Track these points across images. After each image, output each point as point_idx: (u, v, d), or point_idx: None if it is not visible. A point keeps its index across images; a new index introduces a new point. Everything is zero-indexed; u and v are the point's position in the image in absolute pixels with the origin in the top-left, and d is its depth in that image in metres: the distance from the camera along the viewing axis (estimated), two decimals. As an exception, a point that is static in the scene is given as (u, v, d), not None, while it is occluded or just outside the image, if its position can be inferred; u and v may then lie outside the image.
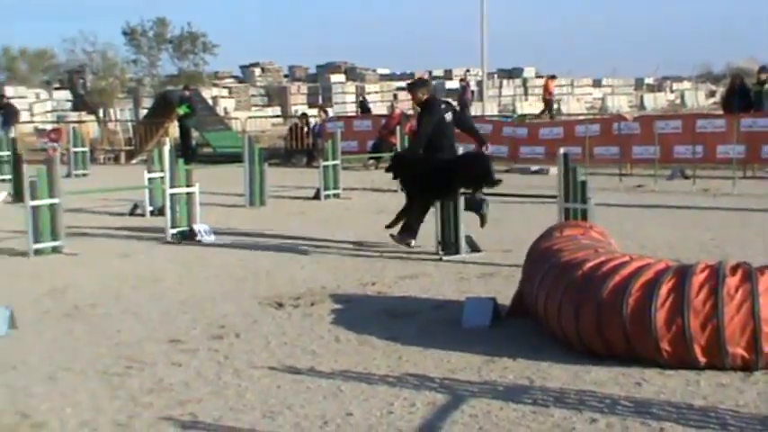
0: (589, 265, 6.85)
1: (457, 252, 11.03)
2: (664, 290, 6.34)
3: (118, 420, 5.68)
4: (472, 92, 40.69)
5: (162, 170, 13.86)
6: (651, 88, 65.59)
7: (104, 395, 6.17)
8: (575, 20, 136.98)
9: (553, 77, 33.08)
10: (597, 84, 66.00)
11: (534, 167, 22.98)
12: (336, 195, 18.09)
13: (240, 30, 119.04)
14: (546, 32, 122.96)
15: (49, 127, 35.16)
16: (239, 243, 12.60)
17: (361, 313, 8.41)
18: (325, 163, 18.17)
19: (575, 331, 6.70)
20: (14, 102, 43.29)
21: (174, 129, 30.80)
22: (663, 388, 6.03)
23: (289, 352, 7.17)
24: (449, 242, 11.11)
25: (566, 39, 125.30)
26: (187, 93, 29.65)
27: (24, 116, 43.86)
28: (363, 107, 38.27)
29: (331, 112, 42.42)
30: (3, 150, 22.95)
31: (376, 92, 56.56)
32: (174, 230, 12.94)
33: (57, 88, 48.59)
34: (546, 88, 34.44)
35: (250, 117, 36.65)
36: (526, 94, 60.67)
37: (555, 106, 39.61)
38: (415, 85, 12.20)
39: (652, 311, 6.28)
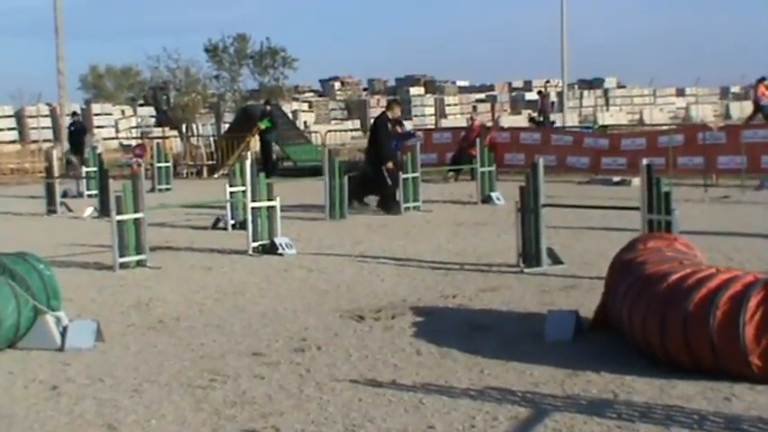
0: (674, 277, 6.73)
1: (538, 264, 10.93)
2: (753, 303, 6.20)
3: (202, 433, 5.73)
4: (552, 102, 40.33)
5: (243, 184, 14.00)
6: (737, 97, 64.44)
7: (189, 408, 6.23)
8: (657, 29, 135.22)
9: (763, 80, 30.02)
10: (681, 93, 65.14)
11: (616, 179, 22.71)
12: (416, 208, 18.07)
13: (319, 44, 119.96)
14: (627, 42, 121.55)
15: (133, 143, 35.82)
16: (320, 256, 12.66)
17: (443, 326, 8.38)
18: (405, 175, 18.17)
19: (660, 345, 6.59)
20: (100, 118, 44.34)
21: (255, 143, 31.13)
22: (753, 404, 5.88)
23: (370, 365, 7.17)
24: (530, 254, 11.01)
25: (647, 48, 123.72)
26: (268, 107, 29.95)
27: (109, 132, 44.82)
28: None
29: (410, 124, 42.42)
30: (89, 166, 23.44)
31: (455, 104, 56.57)
32: (256, 244, 13.05)
33: (141, 104, 49.51)
34: (756, 91, 31.61)
35: (330, 130, 36.86)
36: (607, 104, 60.11)
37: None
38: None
39: (741, 325, 6.14)
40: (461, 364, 7.10)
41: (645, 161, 10.33)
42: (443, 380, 6.68)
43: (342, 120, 52.79)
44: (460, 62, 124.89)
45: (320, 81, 62.60)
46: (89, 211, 18.89)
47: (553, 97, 46.06)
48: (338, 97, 59.03)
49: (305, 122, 46.16)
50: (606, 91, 62.96)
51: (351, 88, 61.25)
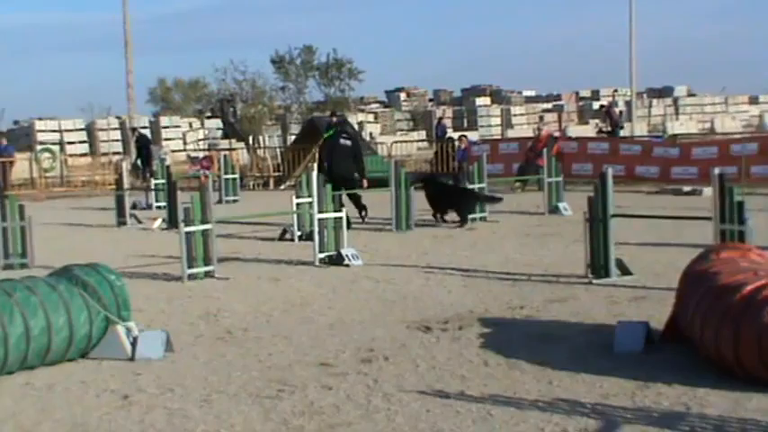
0: (749, 288, 6.60)
1: (607, 275, 10.80)
2: (829, 314, 6.05)
3: (270, 443, 5.74)
4: (620, 112, 39.89)
5: (310, 195, 14.06)
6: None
7: (257, 418, 6.26)
8: (728, 35, 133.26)
9: None
10: (754, 101, 64.08)
11: (687, 188, 22.41)
12: (483, 219, 18.00)
13: (385, 55, 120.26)
14: (698, 49, 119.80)
15: (201, 155, 36.20)
16: (387, 267, 12.66)
17: (510, 337, 8.32)
18: (472, 186, 18.11)
19: (734, 357, 6.46)
20: (169, 131, 44.96)
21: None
22: (830, 417, 5.74)
23: (438, 376, 7.14)
24: (598, 265, 10.89)
25: (719, 55, 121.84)
26: (334, 119, 30.07)
27: (177, 144, 45.39)
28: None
29: (475, 135, 42.32)
30: (158, 178, 23.76)
31: (521, 114, 56.29)
32: (323, 255, 13.08)
33: (208, 117, 50.04)
34: None
35: (396, 141, 36.92)
36: (677, 113, 59.28)
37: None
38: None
39: (817, 336, 6.00)
40: (530, 375, 7.04)
41: (717, 170, 10.16)
42: (512, 391, 6.63)
43: (407, 131, 52.81)
44: (527, 72, 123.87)
45: (386, 92, 62.71)
46: (158, 222, 19.11)
47: (621, 106, 45.60)
48: (404, 108, 59.06)
49: (371, 133, 46.30)
50: (676, 99, 62.12)
51: (416, 99, 61.25)
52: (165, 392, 6.96)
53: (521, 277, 11.42)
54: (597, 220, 10.91)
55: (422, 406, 6.37)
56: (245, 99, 44.28)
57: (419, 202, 17.59)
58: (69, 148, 42.36)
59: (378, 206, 18.33)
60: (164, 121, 48.94)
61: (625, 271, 10.94)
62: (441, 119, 38.57)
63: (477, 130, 49.87)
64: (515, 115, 56.21)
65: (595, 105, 55.81)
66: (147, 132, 38.36)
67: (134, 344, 7.98)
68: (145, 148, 32.12)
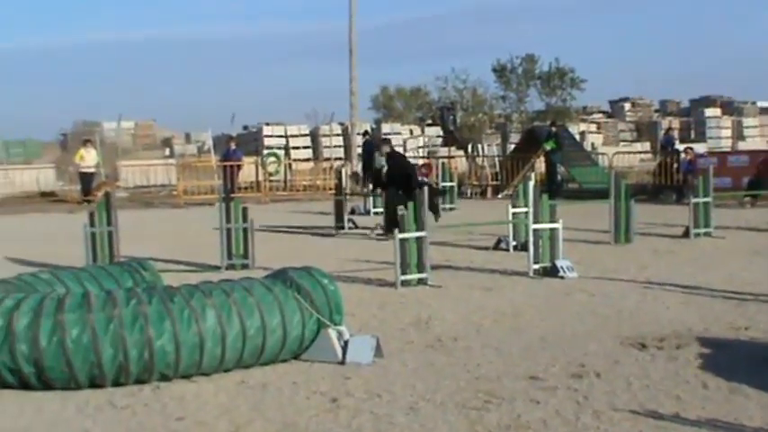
0: None
1: (842, 298, 10.13)
2: None
3: (474, 455, 5.65)
4: None
5: (526, 205, 13.89)
6: None
7: (463, 429, 6.18)
8: None
9: None
10: None
11: None
12: (707, 234, 17.29)
13: (610, 65, 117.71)
14: None
15: (420, 162, 36.53)
16: (602, 280, 12.33)
17: (732, 359, 7.90)
18: (696, 200, 17.44)
19: None
20: (391, 137, 45.67)
21: (540, 164, 31.00)
22: None
23: (651, 396, 6.86)
24: (832, 287, 10.23)
25: None
26: (554, 128, 29.75)
27: (398, 151, 46.04)
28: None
29: (703, 147, 40.86)
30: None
31: (754, 126, 53.98)
32: (537, 266, 12.89)
33: (428, 124, 50.49)
34: None
35: (617, 152, 36.11)
36: None
37: None
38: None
39: None
40: (753, 401, 6.65)
41: None
42: (732, 417, 6.28)
43: (630, 141, 51.61)
44: (763, 82, 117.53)
45: (609, 102, 61.52)
46: (375, 228, 19.35)
47: None
48: (628, 119, 57.75)
49: (592, 144, 45.50)
50: None
51: (641, 109, 59.79)
52: (373, 398, 6.98)
53: (746, 296, 10.87)
54: (832, 238, 10.25)
55: (633, 426, 6.12)
56: (465, 107, 44.49)
57: (641, 214, 17.07)
58: (294, 153, 43.65)
59: (596, 218, 17.94)
60: (385, 128, 49.70)
61: None
62: (669, 129, 37.37)
63: (705, 141, 48.18)
64: (747, 127, 53.94)
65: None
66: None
67: (345, 348, 8.06)
68: (369, 153, 32.67)
